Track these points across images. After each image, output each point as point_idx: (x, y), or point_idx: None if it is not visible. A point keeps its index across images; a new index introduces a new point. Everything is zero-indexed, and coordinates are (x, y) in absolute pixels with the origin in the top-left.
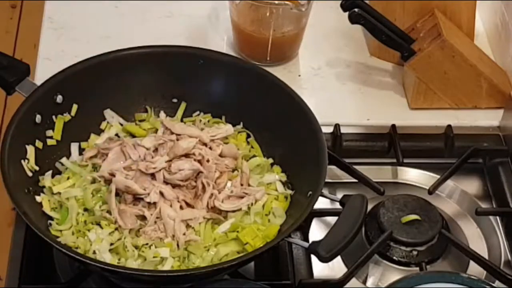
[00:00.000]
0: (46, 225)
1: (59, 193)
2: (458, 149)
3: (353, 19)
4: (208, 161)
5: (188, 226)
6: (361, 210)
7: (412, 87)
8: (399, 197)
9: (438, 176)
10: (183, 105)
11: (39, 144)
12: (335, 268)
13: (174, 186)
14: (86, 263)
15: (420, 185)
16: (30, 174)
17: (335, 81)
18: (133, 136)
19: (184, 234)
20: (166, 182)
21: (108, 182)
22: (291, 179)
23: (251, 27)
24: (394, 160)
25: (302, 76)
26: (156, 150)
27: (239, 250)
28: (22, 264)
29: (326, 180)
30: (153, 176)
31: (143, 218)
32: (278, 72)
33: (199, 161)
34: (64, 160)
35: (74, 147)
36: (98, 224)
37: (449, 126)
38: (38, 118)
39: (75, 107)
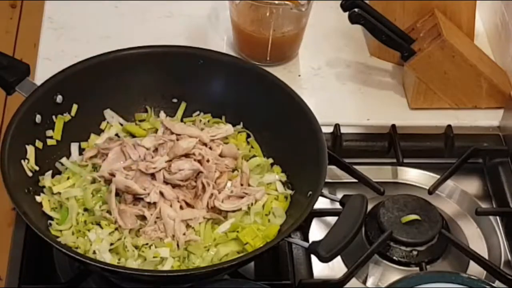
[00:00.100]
0: (46, 225)
1: (59, 193)
2: (458, 149)
3: (353, 19)
4: (208, 161)
5: (188, 226)
6: (361, 210)
7: (412, 87)
8: (399, 197)
9: (438, 176)
10: (183, 105)
11: (39, 144)
12: (335, 268)
13: (174, 186)
14: (86, 263)
15: (420, 185)
16: (30, 174)
17: (335, 81)
18: (133, 136)
19: (184, 234)
20: (166, 182)
21: (108, 182)
22: (291, 179)
23: (251, 27)
24: (394, 160)
25: (302, 76)
26: (156, 150)
27: (239, 250)
28: (22, 264)
29: (326, 180)
30: (153, 176)
31: (143, 218)
32: (278, 72)
33: (199, 161)
34: (64, 160)
35: (74, 147)
36: (98, 224)
37: (449, 126)
38: (38, 118)
39: (75, 107)
